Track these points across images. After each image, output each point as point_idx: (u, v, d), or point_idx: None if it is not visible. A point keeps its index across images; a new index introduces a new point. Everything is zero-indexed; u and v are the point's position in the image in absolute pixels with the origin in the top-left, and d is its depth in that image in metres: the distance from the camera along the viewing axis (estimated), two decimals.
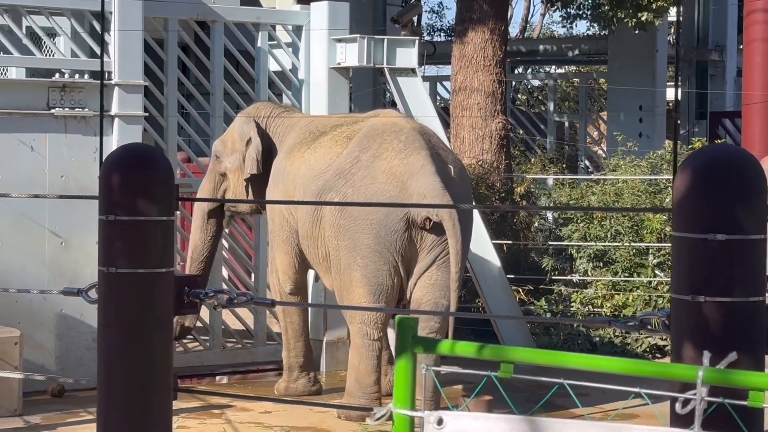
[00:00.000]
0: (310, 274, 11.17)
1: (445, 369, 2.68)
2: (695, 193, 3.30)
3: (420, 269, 9.72)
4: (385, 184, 9.67)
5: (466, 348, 2.72)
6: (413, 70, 12.53)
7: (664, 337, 11.63)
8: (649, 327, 3.55)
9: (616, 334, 12.71)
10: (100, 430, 4.09)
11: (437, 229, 9.56)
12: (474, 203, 12.36)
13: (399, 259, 9.67)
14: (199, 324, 12.27)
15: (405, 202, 9.54)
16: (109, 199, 4.07)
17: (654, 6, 15.57)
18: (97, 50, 11.38)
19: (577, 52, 21.78)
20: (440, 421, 2.64)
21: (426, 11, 34.75)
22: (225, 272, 13.33)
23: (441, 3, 36.05)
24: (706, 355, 2.35)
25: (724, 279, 3.31)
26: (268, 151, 10.86)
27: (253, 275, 12.61)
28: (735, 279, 3.31)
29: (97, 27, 11.43)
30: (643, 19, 15.67)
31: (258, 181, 10.86)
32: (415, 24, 17.07)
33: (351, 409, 9.80)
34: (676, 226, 3.35)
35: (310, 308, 11.12)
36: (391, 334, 10.24)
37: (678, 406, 2.43)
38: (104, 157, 4.24)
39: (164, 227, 4.08)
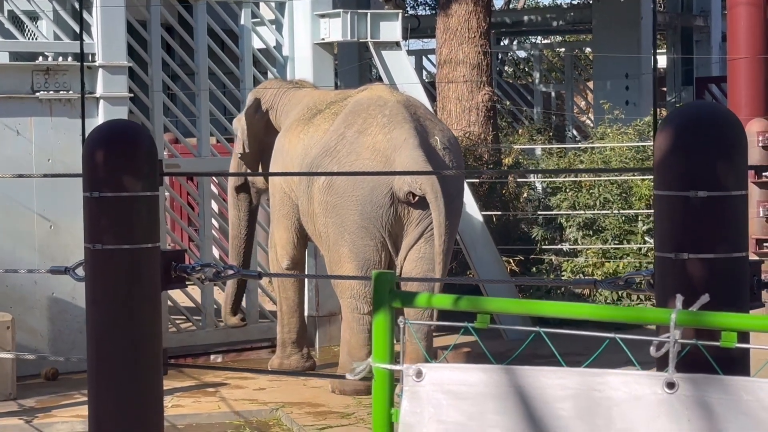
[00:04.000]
0: (310, 250, 11.24)
1: (421, 323, 2.69)
2: (675, 151, 3.31)
3: (408, 243, 9.73)
4: (369, 160, 9.67)
5: (443, 300, 2.73)
6: (397, 44, 12.53)
7: (650, 298, 11.68)
8: (634, 286, 3.56)
9: (607, 301, 12.73)
10: (91, 405, 4.10)
11: (423, 203, 9.55)
12: (463, 175, 12.36)
13: (386, 234, 9.69)
14: (190, 303, 12.29)
15: (390, 177, 9.54)
16: (93, 176, 4.06)
17: None
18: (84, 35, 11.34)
19: (561, 21, 21.75)
20: (419, 374, 2.66)
21: None
22: (216, 252, 13.34)
23: None
24: (679, 299, 2.37)
25: (707, 236, 3.32)
26: (266, 130, 10.88)
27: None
28: (718, 235, 3.32)
29: (79, 8, 11.39)
30: None
31: (254, 159, 10.89)
32: None
33: (344, 379, 9.83)
34: (657, 185, 3.36)
35: (306, 285, 11.13)
36: None
37: (652, 349, 2.45)
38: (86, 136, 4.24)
39: (149, 202, 4.08)
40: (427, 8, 34.73)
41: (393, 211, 9.66)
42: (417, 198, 9.57)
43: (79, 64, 10.86)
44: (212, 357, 11.93)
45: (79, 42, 10.66)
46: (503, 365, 2.45)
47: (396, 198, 9.64)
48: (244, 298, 12.23)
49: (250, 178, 11.16)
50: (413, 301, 2.79)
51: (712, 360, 2.58)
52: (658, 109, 16.13)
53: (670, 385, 2.45)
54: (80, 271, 4.30)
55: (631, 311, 2.62)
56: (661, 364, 2.49)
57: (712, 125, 3.31)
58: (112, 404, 4.07)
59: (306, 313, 11.26)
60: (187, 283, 4.35)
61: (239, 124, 10.94)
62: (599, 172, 13.56)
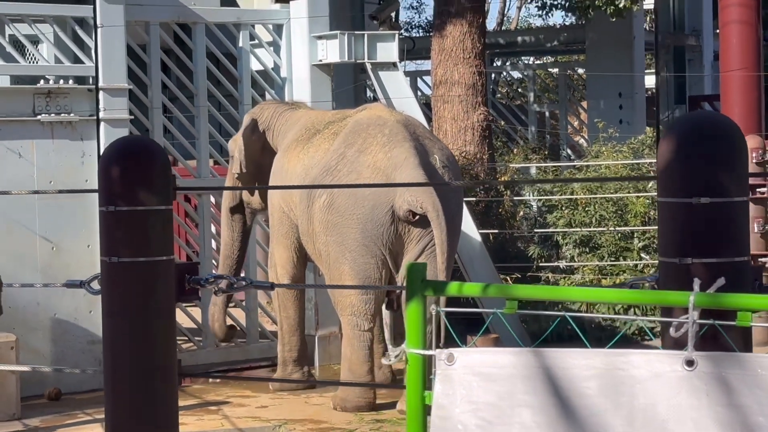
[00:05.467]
0: (309, 268, 11.31)
1: (454, 309, 2.81)
2: (678, 158, 3.41)
3: (408, 261, 9.80)
4: (369, 179, 9.77)
5: (473, 288, 2.85)
6: (394, 64, 12.64)
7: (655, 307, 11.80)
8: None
9: (606, 321, 12.82)
10: (108, 415, 4.19)
11: (423, 221, 9.65)
12: (462, 193, 12.46)
13: (386, 252, 9.78)
14: (192, 324, 12.37)
15: (390, 195, 9.65)
16: (109, 191, 4.16)
17: None
18: (81, 56, 11.46)
19: (555, 42, 21.91)
20: (451, 358, 2.78)
21: (404, 7, 34.86)
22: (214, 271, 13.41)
23: None
24: (697, 282, 2.47)
25: (710, 241, 3.41)
26: (263, 150, 10.99)
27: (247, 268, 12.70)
28: (720, 240, 3.42)
29: (80, 33, 11.51)
30: (620, 5, 15.80)
31: (251, 179, 10.99)
32: (394, 20, 17.13)
33: (348, 385, 9.92)
34: (660, 192, 3.46)
35: (305, 305, 11.19)
36: (385, 321, 10.34)
37: (672, 330, 2.55)
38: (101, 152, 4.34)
39: (163, 216, 4.17)
40: (421, 30, 34.95)
41: (394, 229, 9.76)
42: (417, 216, 9.67)
43: (80, 86, 10.97)
44: (210, 378, 11.97)
45: (82, 65, 10.77)
46: (531, 348, 2.56)
47: (396, 216, 9.74)
48: (244, 318, 12.33)
49: (245, 199, 11.26)
50: (444, 290, 2.90)
51: (728, 338, 2.68)
52: (650, 128, 16.26)
53: (690, 363, 2.58)
54: (95, 285, 4.38)
55: (652, 294, 2.73)
56: (679, 341, 2.59)
57: (714, 133, 3.41)
58: (129, 413, 4.15)
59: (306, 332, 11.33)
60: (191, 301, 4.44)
61: (235, 145, 11.04)
62: (602, 181, 13.63)
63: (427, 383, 2.92)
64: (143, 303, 4.15)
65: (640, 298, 2.64)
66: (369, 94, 20.83)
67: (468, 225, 12.21)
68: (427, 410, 2.92)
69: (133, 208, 4.11)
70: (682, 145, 3.39)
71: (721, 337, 2.70)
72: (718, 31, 14.59)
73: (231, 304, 13.14)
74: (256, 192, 11.07)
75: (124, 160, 4.17)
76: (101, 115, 11.13)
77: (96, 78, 10.52)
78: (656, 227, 13.40)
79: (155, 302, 4.15)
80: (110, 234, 4.16)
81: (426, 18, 36.88)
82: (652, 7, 23.84)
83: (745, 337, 2.94)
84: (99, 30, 11.09)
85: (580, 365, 2.57)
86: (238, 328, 12.01)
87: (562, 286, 2.67)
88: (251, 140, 10.94)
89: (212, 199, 13.92)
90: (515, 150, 18.74)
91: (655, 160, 13.66)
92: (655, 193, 13.26)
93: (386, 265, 9.84)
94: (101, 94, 11.14)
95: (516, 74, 25.82)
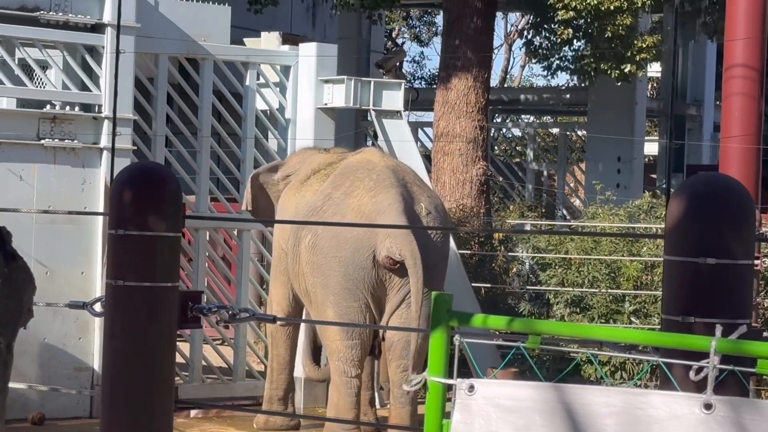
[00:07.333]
0: None
1: (477, 341, 2.84)
2: (687, 218, 3.46)
3: (391, 308, 9.81)
4: (353, 222, 9.74)
5: (498, 321, 2.89)
6: (399, 113, 12.72)
7: (656, 372, 11.84)
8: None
9: (600, 377, 12.82)
10: None
11: (404, 268, 9.61)
12: (453, 244, 12.51)
13: (369, 297, 9.78)
14: (179, 359, 12.35)
15: (372, 240, 9.65)
16: (119, 214, 4.20)
17: (637, 58, 15.84)
18: (89, 83, 11.51)
19: (557, 102, 22.05)
20: (471, 388, 2.82)
21: (406, 60, 35.10)
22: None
23: (422, 53, 36.43)
24: (719, 328, 2.51)
25: (714, 301, 3.46)
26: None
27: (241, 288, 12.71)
28: (723, 301, 3.46)
29: (89, 60, 11.57)
30: (626, 71, 15.93)
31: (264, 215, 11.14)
32: (399, 70, 17.25)
33: (335, 422, 9.91)
34: (667, 250, 3.50)
35: (296, 347, 11.15)
36: (365, 371, 10.33)
37: (692, 373, 2.59)
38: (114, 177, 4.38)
39: (171, 243, 4.21)
40: (423, 82, 35.14)
41: (375, 274, 9.76)
42: (398, 264, 9.66)
43: (85, 114, 11.04)
44: (192, 413, 11.93)
45: (89, 93, 10.82)
46: (552, 383, 2.60)
47: (377, 262, 9.73)
48: (232, 357, 12.32)
49: None
50: (469, 322, 2.95)
51: (747, 384, 2.72)
52: (648, 193, 16.32)
53: (708, 406, 2.62)
54: (97, 307, 4.41)
55: (675, 337, 2.78)
56: (698, 384, 2.63)
57: (724, 195, 3.47)
58: None
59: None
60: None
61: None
62: (606, 236, 13.63)
63: (445, 412, 2.96)
64: (145, 328, 4.18)
65: (664, 340, 2.68)
66: (369, 141, 20.93)
67: (460, 276, 12.25)
68: None
69: (143, 233, 4.15)
70: (692, 204, 3.44)
71: (739, 381, 2.74)
72: (719, 102, 14.70)
73: (218, 341, 13.15)
74: None
75: (138, 185, 4.21)
76: (104, 144, 11.17)
77: (114, 107, 10.53)
78: (648, 291, 13.47)
79: (157, 328, 4.18)
80: (118, 257, 4.20)
81: (429, 70, 37.12)
82: (657, 75, 24.04)
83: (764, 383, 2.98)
84: (109, 58, 11.16)
85: (600, 402, 2.60)
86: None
87: (583, 324, 2.69)
88: (263, 180, 11.05)
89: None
90: (512, 206, 18.81)
91: (651, 225, 13.75)
92: (648, 257, 13.35)
93: (369, 309, 9.80)
94: (105, 122, 11.19)
95: (516, 131, 25.98)
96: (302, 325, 10.84)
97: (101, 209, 10.71)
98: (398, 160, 11.20)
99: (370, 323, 9.87)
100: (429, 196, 10.18)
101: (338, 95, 12.49)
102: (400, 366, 9.78)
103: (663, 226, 13.13)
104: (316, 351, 10.96)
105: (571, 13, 15.64)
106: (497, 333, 10.07)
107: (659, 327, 12.41)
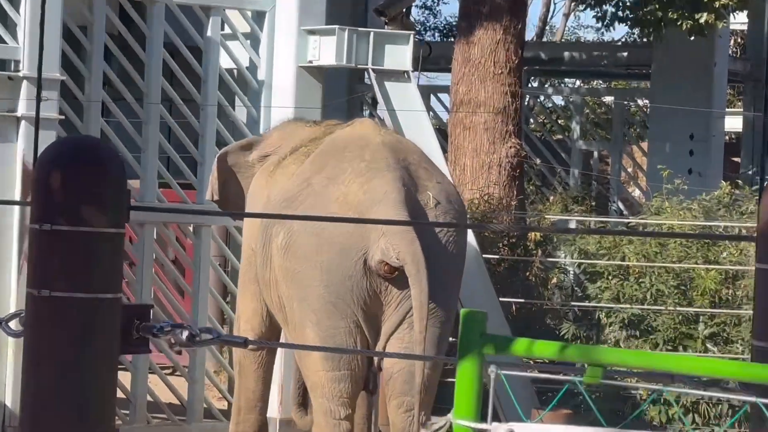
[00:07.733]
0: None
1: (519, 373, 2.84)
2: None
3: (388, 329, 9.65)
4: (337, 217, 9.61)
5: (546, 348, 2.86)
6: (406, 74, 12.68)
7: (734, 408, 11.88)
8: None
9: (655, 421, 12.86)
10: None
11: (404, 277, 9.44)
12: (475, 245, 12.50)
13: (360, 314, 9.59)
14: (119, 394, 12.37)
15: (363, 241, 9.48)
16: (45, 204, 4.19)
17: (716, 4, 15.78)
18: (2, 33, 11.49)
19: (612, 62, 21.99)
20: None
21: (416, 6, 35.01)
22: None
23: None
24: None
25: None
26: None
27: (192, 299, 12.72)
28: None
29: (3, 3, 11.56)
30: (701, 21, 15.89)
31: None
32: (406, 18, 17.20)
33: None
34: (760, 257, 3.50)
35: (271, 378, 11.11)
36: (359, 412, 10.30)
37: None
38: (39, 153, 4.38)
39: (113, 242, 4.20)
40: (437, 34, 35.03)
41: (367, 284, 9.55)
42: (396, 271, 9.50)
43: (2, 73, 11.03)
44: None
45: (1, 45, 10.81)
46: (615, 429, 2.58)
47: (370, 269, 9.65)
48: (186, 391, 12.33)
49: None
50: (509, 349, 2.92)
51: None
52: (727, 181, 16.31)
53: None
54: (14, 325, 4.41)
55: None
56: None
57: None
58: None
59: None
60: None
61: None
62: (675, 237, 13.62)
63: None
64: (77, 352, 4.18)
65: (762, 375, 2.67)
66: (367, 110, 20.92)
67: (485, 288, 12.23)
68: None
69: (76, 229, 4.15)
70: None
71: None
72: None
73: (168, 370, 13.16)
74: None
75: (70, 166, 4.20)
76: (23, 112, 11.16)
77: (39, 65, 10.49)
78: (727, 311, 13.46)
79: (94, 352, 4.18)
80: (43, 260, 4.19)
81: (445, 18, 37.07)
82: (742, 27, 23.99)
83: None
84: (30, 0, 11.15)
85: None
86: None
87: (661, 353, 2.67)
88: (233, 162, 10.94)
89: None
90: (552, 198, 18.79)
91: (733, 224, 13.75)
92: (730, 265, 13.35)
93: (361, 330, 9.62)
94: (24, 84, 11.18)
95: (558, 100, 25.94)
96: (279, 351, 10.79)
97: (18, 197, 10.71)
98: (402, 135, 11.12)
99: (362, 349, 9.77)
100: (439, 182, 10.01)
101: (327, 50, 12.47)
102: (403, 404, 9.71)
103: (751, 224, 13.11)
104: (305, 388, 10.71)
105: None
106: (531, 363, 10.05)
107: (744, 356, 12.46)
